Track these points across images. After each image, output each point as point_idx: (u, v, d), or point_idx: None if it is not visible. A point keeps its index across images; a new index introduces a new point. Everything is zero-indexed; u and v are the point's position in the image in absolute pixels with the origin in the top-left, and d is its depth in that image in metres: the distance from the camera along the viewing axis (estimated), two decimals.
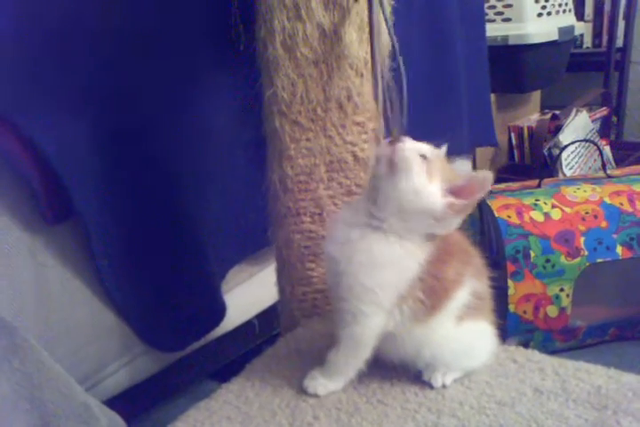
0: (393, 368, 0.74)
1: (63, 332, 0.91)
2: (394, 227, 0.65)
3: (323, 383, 0.72)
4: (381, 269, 0.65)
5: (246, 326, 1.22)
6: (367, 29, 0.75)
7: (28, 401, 0.60)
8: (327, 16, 0.73)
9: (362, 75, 0.78)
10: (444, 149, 0.69)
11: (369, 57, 0.76)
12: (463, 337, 0.70)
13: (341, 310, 0.69)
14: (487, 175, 0.63)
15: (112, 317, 0.97)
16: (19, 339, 0.63)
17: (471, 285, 0.69)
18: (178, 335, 1.06)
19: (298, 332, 0.86)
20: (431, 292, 0.66)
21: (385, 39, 0.78)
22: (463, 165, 1.86)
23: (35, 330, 0.86)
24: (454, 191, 0.64)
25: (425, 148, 0.65)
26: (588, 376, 0.72)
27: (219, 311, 1.09)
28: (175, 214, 1.00)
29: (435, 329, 0.68)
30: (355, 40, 0.75)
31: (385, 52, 0.80)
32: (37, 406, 0.60)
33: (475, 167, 2.00)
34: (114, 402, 0.88)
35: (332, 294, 0.71)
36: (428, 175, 0.63)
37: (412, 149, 0.64)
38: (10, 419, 0.58)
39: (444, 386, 0.71)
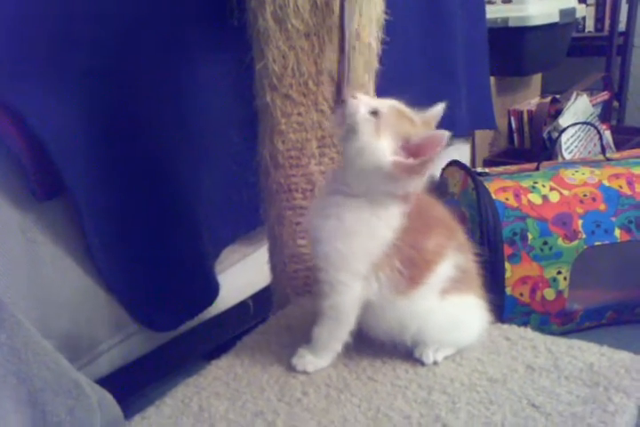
0: (383, 346, 0.73)
1: (54, 310, 0.91)
2: (356, 189, 0.65)
3: (311, 361, 0.71)
4: (353, 236, 0.65)
5: (241, 307, 1.22)
6: (359, 1, 0.73)
7: (16, 376, 0.59)
8: None
9: (354, 47, 0.76)
10: (436, 110, 0.66)
11: (361, 29, 0.75)
12: (449, 311, 0.69)
13: (321, 282, 0.68)
14: (441, 134, 0.61)
15: (104, 295, 0.97)
16: (5, 314, 0.62)
17: (454, 258, 0.68)
18: (170, 315, 1.05)
19: (289, 309, 0.85)
20: (410, 262, 0.66)
21: (378, 13, 0.77)
22: (461, 149, 1.85)
23: (25, 307, 0.86)
24: (409, 149, 0.62)
25: (382, 103, 0.63)
26: (580, 354, 0.71)
27: (212, 291, 1.09)
28: (167, 193, 0.99)
29: (418, 302, 0.68)
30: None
31: (378, 26, 0.78)
32: (25, 382, 0.59)
33: (474, 151, 1.99)
34: (106, 381, 0.87)
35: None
36: (376, 131, 0.62)
37: (358, 105, 0.62)
38: None
39: (435, 363, 0.71)
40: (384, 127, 0.62)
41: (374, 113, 0.62)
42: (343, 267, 0.66)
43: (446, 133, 0.61)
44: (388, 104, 0.64)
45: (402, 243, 0.65)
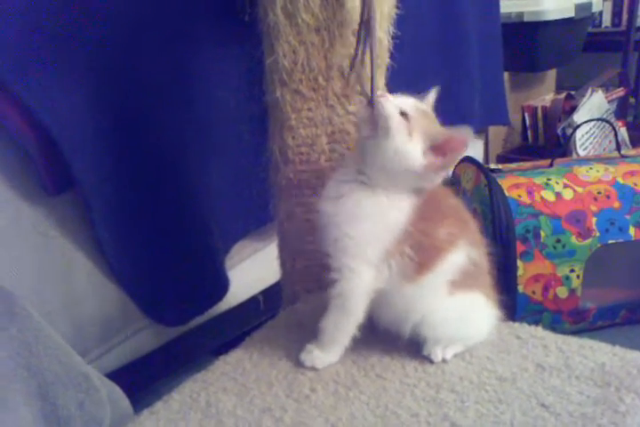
0: (392, 343, 0.73)
1: (64, 304, 0.91)
2: (380, 183, 0.66)
3: (319, 356, 0.71)
4: (366, 221, 0.66)
5: (251, 302, 1.22)
6: None
7: (26, 369, 0.59)
8: None
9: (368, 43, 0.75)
10: (431, 96, 0.69)
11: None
12: (456, 306, 0.69)
13: (330, 269, 0.68)
14: (466, 133, 0.63)
15: (114, 289, 0.97)
16: (17, 307, 0.63)
17: (466, 250, 0.68)
18: (180, 309, 1.06)
19: (298, 305, 0.85)
20: (420, 248, 0.66)
21: (389, 7, 0.76)
22: (474, 145, 1.83)
23: (36, 301, 0.86)
24: (435, 148, 0.64)
25: (407, 103, 0.65)
26: (592, 353, 0.70)
27: (222, 286, 1.09)
28: (177, 187, 0.99)
29: (425, 288, 0.68)
30: (357, 6, 0.73)
31: (389, 20, 0.77)
32: (35, 375, 0.60)
33: (487, 147, 1.97)
34: (116, 375, 0.88)
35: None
36: (409, 133, 0.64)
37: (391, 106, 0.64)
38: (7, 387, 0.57)
39: (443, 361, 0.70)
40: (414, 128, 0.64)
41: (403, 114, 0.64)
42: (353, 253, 0.66)
43: (470, 132, 0.63)
44: (412, 104, 0.66)
45: (414, 229, 0.66)
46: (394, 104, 0.65)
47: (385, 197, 0.66)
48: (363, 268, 0.67)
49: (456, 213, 0.70)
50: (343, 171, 0.70)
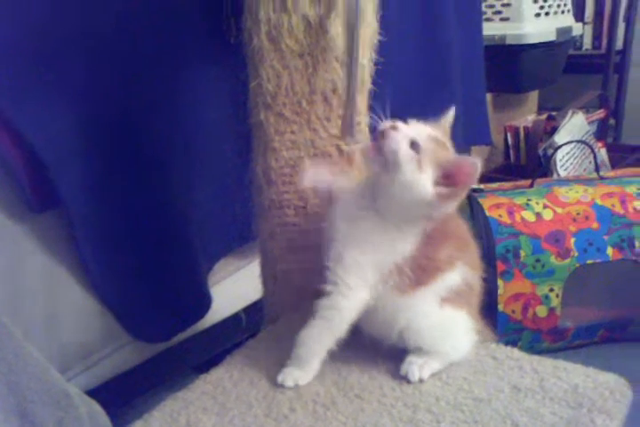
0: (372, 364, 0.74)
1: (45, 320, 0.91)
2: (391, 213, 0.67)
3: (298, 375, 0.72)
4: (373, 249, 0.67)
5: (233, 320, 1.22)
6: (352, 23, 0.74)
7: (5, 387, 0.59)
8: (313, 8, 0.73)
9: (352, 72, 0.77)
10: (446, 120, 0.70)
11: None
12: (443, 317, 0.71)
13: (327, 282, 0.69)
14: (474, 163, 0.63)
15: (96, 306, 0.97)
16: None
17: (463, 271, 0.70)
18: (162, 326, 1.06)
19: (279, 324, 0.86)
20: (419, 269, 0.68)
21: (370, 32, 0.78)
22: None
23: (16, 318, 0.86)
24: (446, 177, 0.64)
25: (418, 132, 0.65)
26: (565, 375, 0.71)
27: (204, 303, 1.09)
28: (161, 205, 1.00)
29: (416, 301, 0.69)
30: (341, 33, 0.75)
31: (371, 46, 0.79)
32: (14, 392, 0.60)
33: None
34: (96, 392, 0.88)
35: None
36: (419, 165, 0.64)
37: (399, 140, 0.64)
38: None
39: (421, 381, 0.71)
40: (424, 159, 0.64)
41: (413, 144, 0.64)
42: (353, 272, 0.68)
43: (478, 163, 0.63)
44: (423, 132, 0.65)
45: (417, 253, 0.67)
46: (403, 135, 0.64)
47: (395, 228, 0.67)
48: (360, 286, 0.68)
49: (458, 235, 0.72)
50: (359, 196, 0.70)
